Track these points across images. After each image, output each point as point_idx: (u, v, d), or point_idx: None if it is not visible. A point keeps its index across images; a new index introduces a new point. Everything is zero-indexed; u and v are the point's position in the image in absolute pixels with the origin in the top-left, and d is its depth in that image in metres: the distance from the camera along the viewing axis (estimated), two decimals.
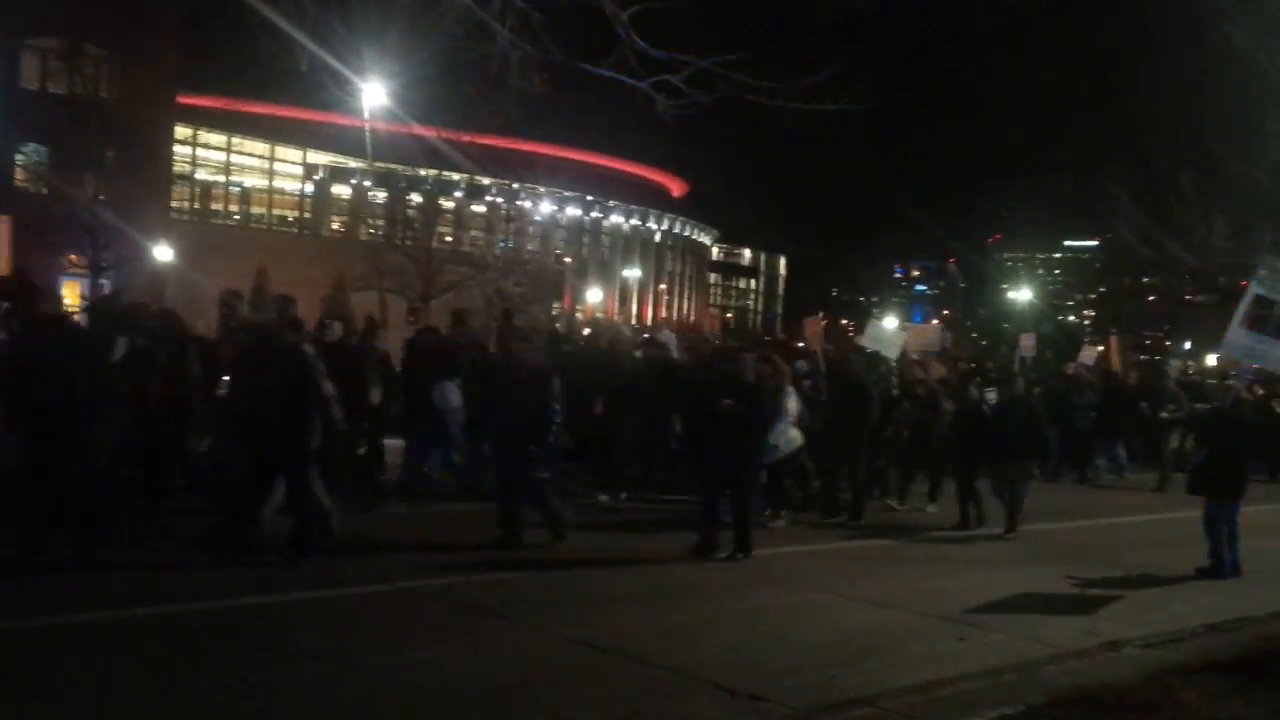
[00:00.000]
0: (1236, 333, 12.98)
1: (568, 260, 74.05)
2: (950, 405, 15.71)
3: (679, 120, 8.36)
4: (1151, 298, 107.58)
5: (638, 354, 16.47)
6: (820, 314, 23.03)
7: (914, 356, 20.57)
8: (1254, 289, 13.12)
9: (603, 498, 14.65)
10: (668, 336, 18.61)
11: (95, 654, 7.24)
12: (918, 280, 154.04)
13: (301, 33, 6.96)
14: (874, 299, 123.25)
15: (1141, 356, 36.74)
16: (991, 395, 15.69)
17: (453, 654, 7.73)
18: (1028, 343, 27.84)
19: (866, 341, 18.98)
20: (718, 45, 7.36)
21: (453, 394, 14.18)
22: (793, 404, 13.62)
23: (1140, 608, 10.34)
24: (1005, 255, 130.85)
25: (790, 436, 13.48)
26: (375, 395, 13.37)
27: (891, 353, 17.83)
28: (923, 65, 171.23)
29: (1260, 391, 23.19)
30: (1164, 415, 19.91)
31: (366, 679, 6.99)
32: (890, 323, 27.63)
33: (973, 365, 26.59)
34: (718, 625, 8.95)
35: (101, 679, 6.73)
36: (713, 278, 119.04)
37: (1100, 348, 28.72)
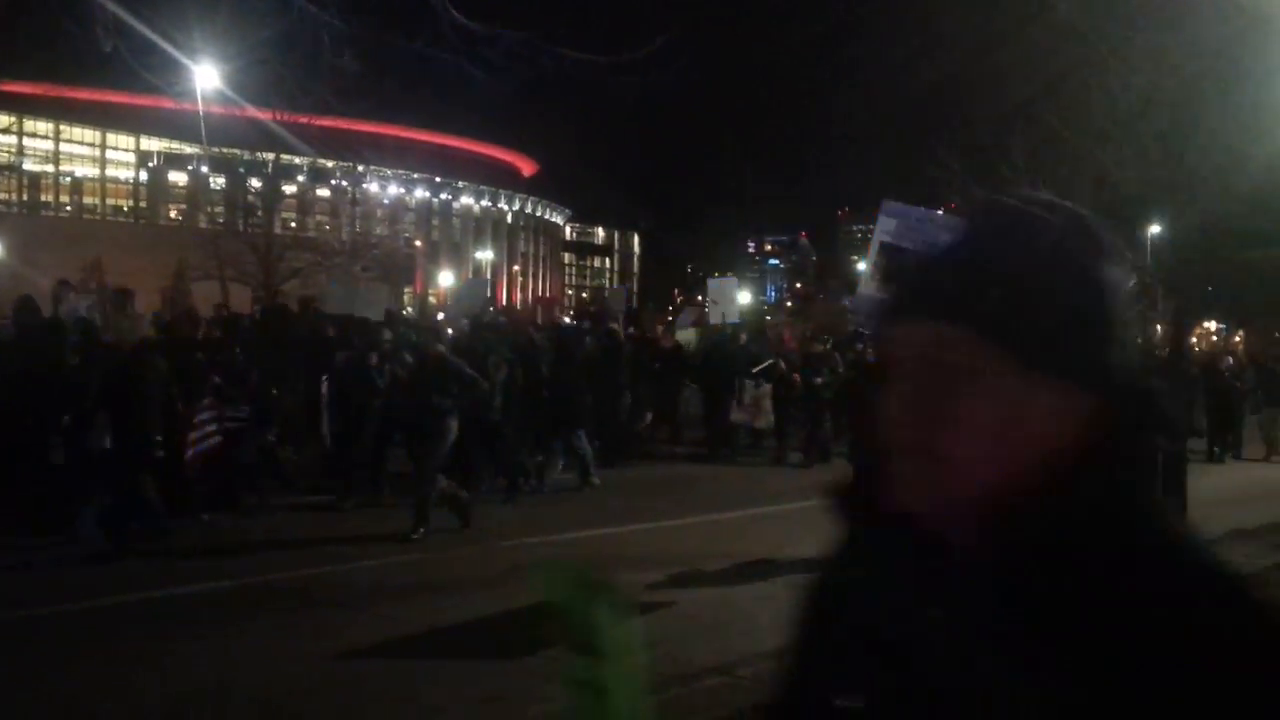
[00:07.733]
0: (868, 287, 11.37)
1: (418, 244, 73.28)
2: None
3: (520, 95, 8.25)
4: None
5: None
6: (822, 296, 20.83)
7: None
8: (879, 237, 11.09)
9: None
10: None
11: None
12: (770, 255, 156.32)
13: (105, 12, 6.68)
14: (728, 274, 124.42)
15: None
16: None
17: (306, 648, 7.59)
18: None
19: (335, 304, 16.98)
20: (540, 16, 7.28)
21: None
22: None
23: None
24: (855, 227, 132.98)
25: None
26: None
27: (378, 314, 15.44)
28: (750, 35, 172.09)
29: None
30: (819, 381, 18.16)
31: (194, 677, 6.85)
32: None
33: None
34: None
35: None
36: (567, 258, 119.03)
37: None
